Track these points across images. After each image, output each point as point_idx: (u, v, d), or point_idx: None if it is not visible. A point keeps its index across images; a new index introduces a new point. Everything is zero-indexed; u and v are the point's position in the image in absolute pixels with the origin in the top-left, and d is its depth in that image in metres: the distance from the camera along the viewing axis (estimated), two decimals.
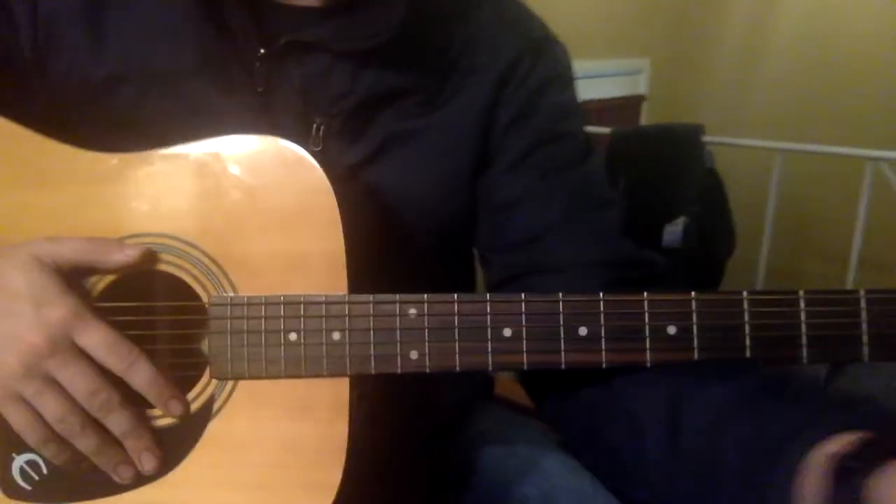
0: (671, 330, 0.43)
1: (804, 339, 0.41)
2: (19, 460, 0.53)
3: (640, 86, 2.79)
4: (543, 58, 0.61)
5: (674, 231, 1.73)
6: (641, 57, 2.89)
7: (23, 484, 0.53)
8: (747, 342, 0.42)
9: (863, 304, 0.40)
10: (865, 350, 0.40)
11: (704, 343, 0.43)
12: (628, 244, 0.58)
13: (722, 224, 1.98)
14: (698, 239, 1.79)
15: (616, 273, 0.55)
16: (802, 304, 0.41)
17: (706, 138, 1.89)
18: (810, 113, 2.95)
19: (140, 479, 0.51)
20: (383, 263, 0.53)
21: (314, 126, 0.56)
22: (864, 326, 0.40)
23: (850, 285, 2.29)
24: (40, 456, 0.52)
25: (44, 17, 0.58)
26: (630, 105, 2.52)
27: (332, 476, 0.49)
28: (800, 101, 3.01)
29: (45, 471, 0.53)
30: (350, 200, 0.52)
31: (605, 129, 1.93)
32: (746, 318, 0.42)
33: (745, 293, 0.42)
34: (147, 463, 0.50)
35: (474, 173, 0.60)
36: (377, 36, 0.55)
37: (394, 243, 0.57)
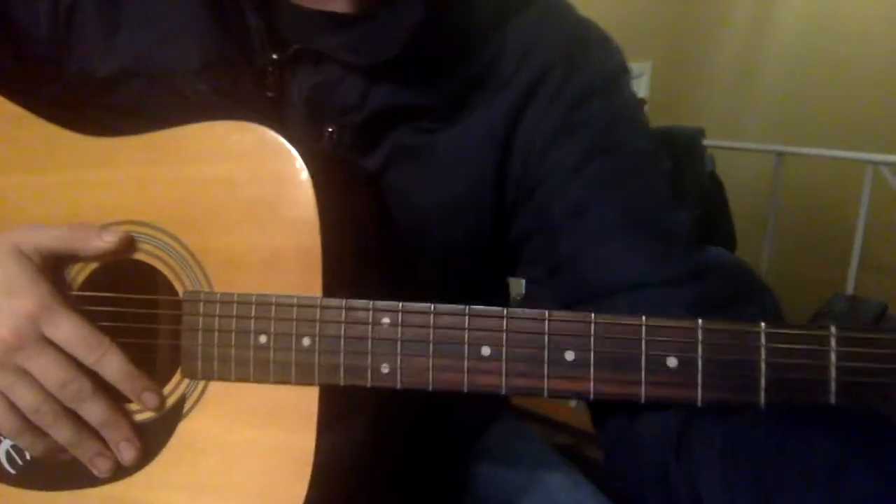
0: (671, 362, 0.33)
1: (833, 386, 0.31)
2: (6, 444, 0.49)
3: (641, 89, 2.66)
4: (582, 65, 0.50)
5: None
6: (642, 60, 2.72)
7: (8, 468, 0.49)
8: (762, 383, 0.32)
9: None
10: None
11: (710, 380, 0.33)
12: (688, 256, 0.45)
13: (722, 227, 1.85)
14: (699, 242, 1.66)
15: (688, 291, 0.43)
16: (833, 343, 0.31)
17: (706, 142, 1.76)
18: (811, 116, 2.76)
19: (117, 473, 0.46)
20: (377, 281, 0.46)
21: (327, 133, 0.49)
22: None
23: (850, 289, 2.13)
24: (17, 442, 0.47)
25: (65, 4, 0.53)
26: None
27: (296, 490, 0.42)
28: (801, 104, 2.82)
29: (27, 456, 0.48)
30: (348, 212, 0.45)
31: None
32: (763, 354, 0.32)
33: (763, 325, 0.32)
34: (126, 453, 0.45)
35: (491, 194, 0.50)
36: (387, 51, 0.47)
37: (392, 261, 0.49)
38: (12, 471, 0.49)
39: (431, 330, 0.38)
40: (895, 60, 2.77)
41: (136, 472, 0.46)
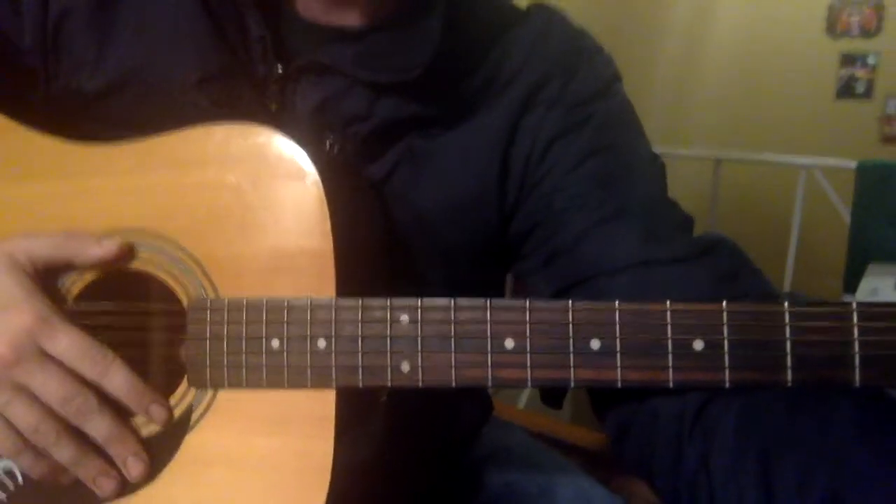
0: (698, 345, 0.32)
1: (857, 360, 0.31)
2: None
3: None
4: (579, 72, 0.50)
5: None
6: None
7: None
8: (789, 362, 0.32)
9: None
10: None
11: (737, 362, 0.32)
12: (691, 237, 0.45)
13: None
14: None
15: (698, 268, 0.42)
16: (856, 319, 0.31)
17: None
18: (748, 122, 2.85)
19: (121, 492, 0.42)
20: (385, 283, 0.43)
21: (327, 143, 0.47)
22: None
23: (786, 288, 2.20)
24: (17, 464, 0.43)
25: (54, 14, 0.49)
26: None
27: (315, 498, 0.39)
28: (738, 111, 2.92)
29: (20, 480, 0.44)
30: (356, 213, 0.43)
31: None
32: (788, 333, 0.31)
33: (786, 304, 0.32)
34: (134, 469, 0.42)
35: (493, 195, 0.49)
36: (408, 71, 0.45)
37: (399, 264, 0.47)
38: (3, 496, 0.44)
39: (452, 325, 0.36)
40: (827, 68, 2.90)
41: (139, 489, 0.42)
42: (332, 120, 0.47)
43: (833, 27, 2.98)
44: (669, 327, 0.33)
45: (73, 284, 0.44)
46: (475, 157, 0.48)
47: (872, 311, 0.31)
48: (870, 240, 1.68)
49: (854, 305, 0.31)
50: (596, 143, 0.48)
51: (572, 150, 0.48)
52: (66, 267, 0.43)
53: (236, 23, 0.47)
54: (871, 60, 2.94)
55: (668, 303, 0.33)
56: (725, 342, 0.32)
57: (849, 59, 2.97)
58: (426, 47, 0.45)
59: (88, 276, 0.44)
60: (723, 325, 0.32)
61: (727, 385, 0.33)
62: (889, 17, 2.89)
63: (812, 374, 0.32)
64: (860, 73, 2.96)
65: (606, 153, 0.48)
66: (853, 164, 1.68)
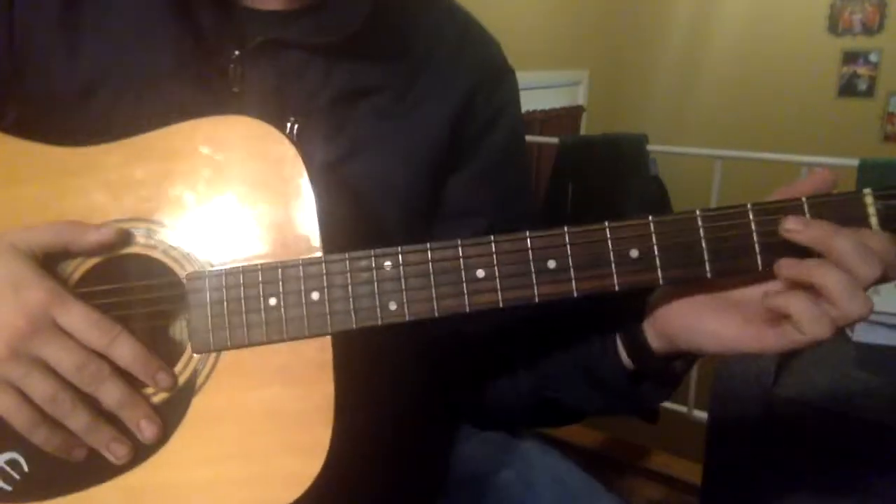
0: (634, 253, 0.43)
1: (758, 247, 0.42)
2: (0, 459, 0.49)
3: (579, 97, 2.85)
4: (503, 84, 0.63)
5: None
6: (579, 68, 2.98)
7: (3, 485, 0.49)
8: (706, 256, 0.43)
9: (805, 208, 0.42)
10: None
11: (666, 262, 0.43)
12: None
13: None
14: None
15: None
16: (752, 216, 0.42)
17: (650, 147, 1.95)
18: (748, 120, 3.03)
19: (134, 458, 0.48)
20: (356, 243, 0.51)
21: (288, 124, 0.54)
22: None
23: None
24: (20, 453, 0.49)
25: (20, 25, 0.55)
26: (570, 115, 2.57)
27: (321, 436, 0.46)
28: (739, 109, 3.09)
29: (26, 468, 0.49)
30: (324, 195, 0.50)
31: (553, 139, 2.00)
32: (702, 233, 0.42)
33: (698, 211, 0.43)
34: (147, 430, 0.47)
35: (441, 176, 0.60)
36: (347, 28, 0.54)
37: (370, 239, 0.55)
38: (8, 488, 0.49)
39: (430, 264, 0.46)
40: (829, 66, 3.09)
41: (150, 456, 0.48)
42: (293, 97, 0.55)
43: (835, 25, 3.09)
44: (610, 241, 0.44)
45: (75, 271, 0.50)
46: (434, 137, 0.58)
47: (765, 208, 0.43)
48: None
49: (749, 205, 0.43)
50: (504, 154, 0.62)
51: (489, 152, 0.61)
52: (65, 253, 0.49)
53: (194, 15, 0.54)
54: (873, 58, 3.02)
55: (606, 223, 0.44)
56: (655, 247, 0.43)
57: (851, 57, 3.05)
58: (363, 4, 0.55)
59: (89, 263, 0.50)
60: (651, 234, 0.43)
61: (661, 283, 0.44)
62: (891, 14, 2.93)
63: (726, 263, 0.43)
64: (862, 70, 3.06)
65: (508, 166, 0.63)
66: (855, 163, 1.76)
